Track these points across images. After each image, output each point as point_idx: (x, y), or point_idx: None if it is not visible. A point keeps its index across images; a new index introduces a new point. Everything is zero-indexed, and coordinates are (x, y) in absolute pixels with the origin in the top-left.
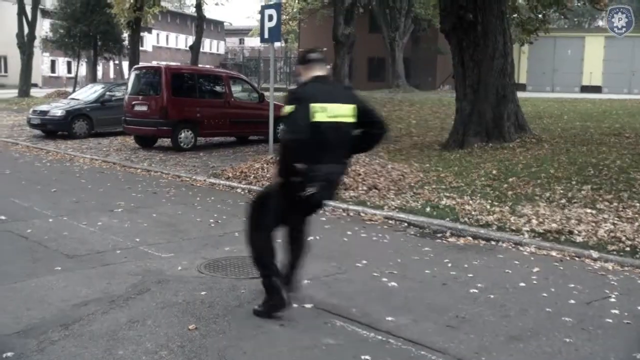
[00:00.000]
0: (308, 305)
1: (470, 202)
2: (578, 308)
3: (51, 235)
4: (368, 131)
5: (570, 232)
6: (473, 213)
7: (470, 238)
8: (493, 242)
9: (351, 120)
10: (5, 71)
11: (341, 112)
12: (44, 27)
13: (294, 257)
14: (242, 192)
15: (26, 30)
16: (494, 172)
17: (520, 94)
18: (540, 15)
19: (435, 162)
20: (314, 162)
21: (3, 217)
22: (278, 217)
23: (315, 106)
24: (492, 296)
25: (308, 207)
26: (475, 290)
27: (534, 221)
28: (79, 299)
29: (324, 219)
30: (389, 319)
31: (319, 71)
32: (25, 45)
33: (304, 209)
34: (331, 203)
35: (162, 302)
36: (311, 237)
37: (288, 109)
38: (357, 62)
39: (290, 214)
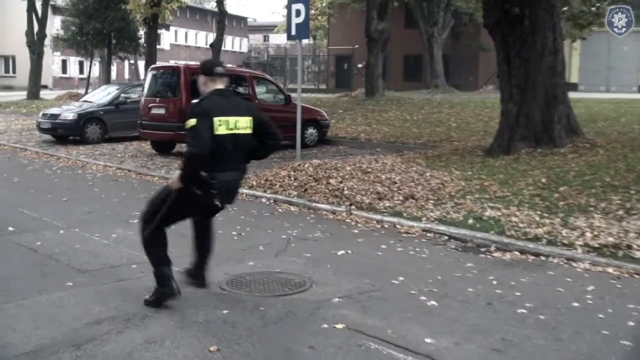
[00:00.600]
0: (339, 326)
1: (517, 213)
2: (638, 331)
3: (62, 248)
4: (263, 141)
5: (629, 247)
6: (520, 225)
7: (517, 253)
8: (543, 258)
9: (248, 131)
10: (14, 72)
11: (240, 125)
12: (54, 25)
13: (200, 256)
14: (267, 202)
15: (36, 28)
16: (544, 180)
17: (571, 95)
18: (593, 9)
19: (478, 170)
20: (214, 170)
21: (11, 229)
22: (173, 216)
23: (217, 120)
24: (542, 317)
25: (209, 210)
26: (524, 311)
27: (588, 234)
28: (92, 317)
29: (356, 231)
30: (428, 341)
31: (221, 85)
32: (35, 44)
33: (204, 212)
34: (364, 214)
35: (181, 321)
36: (342, 252)
37: (192, 121)
38: (392, 60)
39: (192, 216)
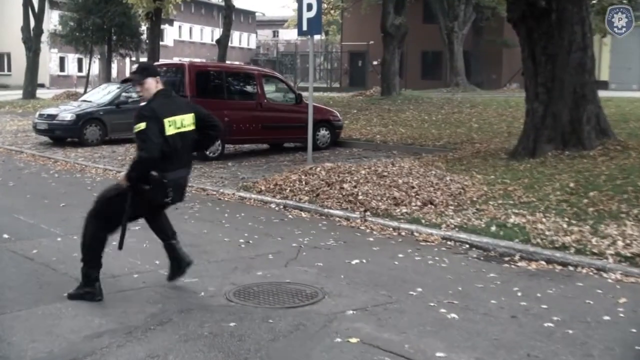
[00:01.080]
0: (354, 340)
1: (544, 220)
2: None
3: (59, 257)
4: (206, 133)
5: None
6: (547, 233)
7: (543, 262)
8: (571, 268)
9: (192, 127)
10: (9, 70)
11: (185, 122)
12: (52, 20)
13: (170, 245)
14: (277, 208)
15: (32, 23)
16: (572, 184)
17: (601, 93)
18: (625, 1)
19: (501, 173)
20: (165, 170)
21: (6, 236)
22: (126, 217)
23: (167, 121)
24: (570, 331)
25: (159, 207)
26: (551, 324)
27: (620, 243)
28: (91, 329)
29: (371, 239)
30: (448, 356)
31: (162, 85)
32: (32, 40)
33: (155, 208)
34: (380, 221)
35: (186, 335)
36: (357, 261)
37: (142, 125)
38: (409, 57)
39: (142, 215)
